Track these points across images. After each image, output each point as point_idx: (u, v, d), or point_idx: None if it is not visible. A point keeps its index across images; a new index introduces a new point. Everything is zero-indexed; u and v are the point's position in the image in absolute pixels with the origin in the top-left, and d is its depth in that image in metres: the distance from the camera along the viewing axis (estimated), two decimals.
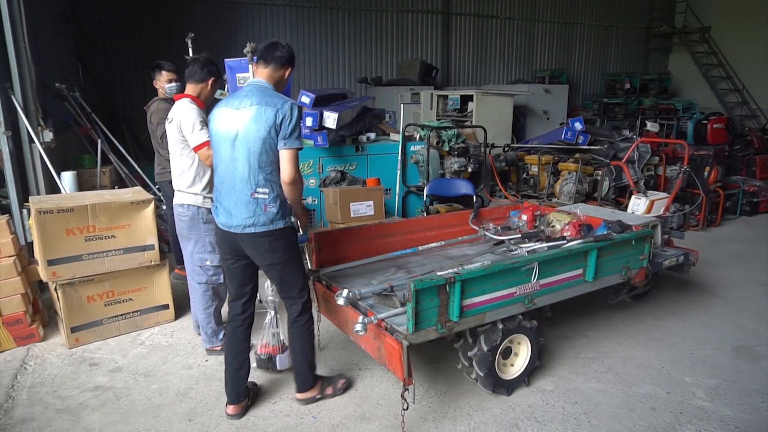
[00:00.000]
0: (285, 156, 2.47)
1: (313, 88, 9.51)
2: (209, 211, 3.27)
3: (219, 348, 3.41)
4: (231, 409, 2.77)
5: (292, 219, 2.72)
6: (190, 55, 4.07)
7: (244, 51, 3.44)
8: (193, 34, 4.30)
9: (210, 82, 3.29)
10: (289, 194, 2.55)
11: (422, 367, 3.25)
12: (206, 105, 3.29)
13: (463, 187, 5.36)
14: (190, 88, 3.26)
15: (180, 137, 3.17)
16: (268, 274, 2.75)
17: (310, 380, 2.85)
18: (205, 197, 3.24)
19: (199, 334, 3.60)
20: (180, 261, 4.64)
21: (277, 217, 2.54)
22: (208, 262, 3.31)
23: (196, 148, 3.11)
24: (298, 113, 2.51)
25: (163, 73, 4.22)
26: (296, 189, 2.56)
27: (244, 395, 2.81)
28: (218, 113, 2.60)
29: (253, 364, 3.04)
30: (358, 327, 2.49)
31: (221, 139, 2.55)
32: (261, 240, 2.54)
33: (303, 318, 2.76)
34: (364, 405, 2.90)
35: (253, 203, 2.50)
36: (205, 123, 3.09)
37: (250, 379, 2.88)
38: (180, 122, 3.13)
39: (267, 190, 2.51)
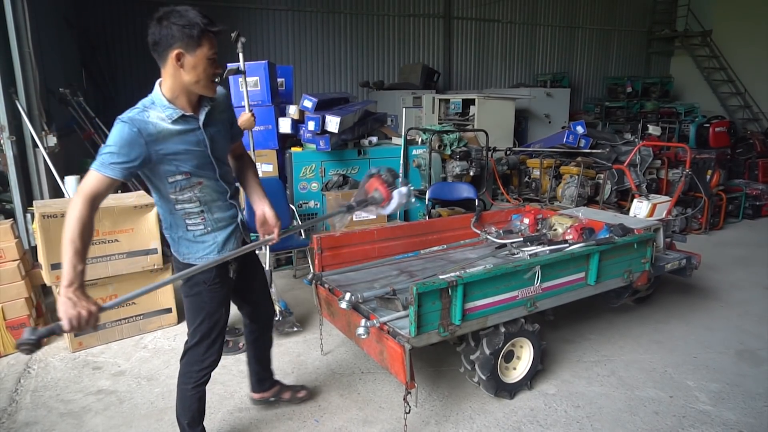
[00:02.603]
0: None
1: (315, 92, 9.54)
2: None
3: None
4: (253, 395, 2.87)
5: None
6: (241, 62, 3.48)
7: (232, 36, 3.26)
8: (241, 37, 3.51)
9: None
10: None
11: (424, 371, 3.25)
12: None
13: (465, 191, 5.37)
14: None
15: None
16: None
17: None
18: None
19: None
20: None
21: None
22: None
23: None
24: (116, 130, 1.89)
25: None
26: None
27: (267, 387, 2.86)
28: None
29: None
30: (361, 330, 2.50)
31: None
32: None
33: (182, 366, 2.42)
34: (367, 408, 2.90)
35: None
36: None
37: None
38: None
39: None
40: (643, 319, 4.04)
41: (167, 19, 1.83)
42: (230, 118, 2.24)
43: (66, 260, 1.76)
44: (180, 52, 1.86)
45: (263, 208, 2.26)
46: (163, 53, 1.87)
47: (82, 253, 1.79)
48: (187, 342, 2.35)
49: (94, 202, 1.84)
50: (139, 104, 1.97)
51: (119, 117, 1.92)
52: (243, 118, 3.30)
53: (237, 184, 2.34)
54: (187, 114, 1.99)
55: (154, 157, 1.92)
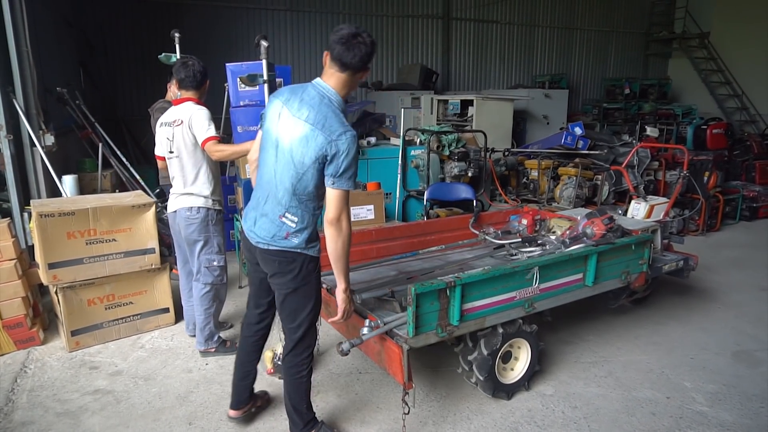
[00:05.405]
0: (332, 195, 2.19)
1: None
2: (218, 212, 3.32)
3: (213, 350, 3.42)
4: (231, 413, 2.75)
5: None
6: (177, 53, 3.90)
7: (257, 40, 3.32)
8: (177, 33, 4.26)
9: (206, 85, 3.32)
10: (329, 239, 2.25)
11: (422, 371, 3.25)
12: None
13: (464, 192, 5.37)
14: (190, 94, 3.26)
15: (191, 139, 3.16)
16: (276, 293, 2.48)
17: (299, 424, 2.54)
18: (214, 200, 3.28)
19: (193, 335, 3.60)
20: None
21: (300, 244, 2.33)
22: (215, 263, 3.33)
23: (204, 141, 3.12)
24: (356, 148, 2.16)
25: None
26: (337, 235, 2.22)
27: (246, 401, 2.76)
28: (274, 106, 2.27)
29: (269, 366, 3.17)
30: (365, 330, 2.50)
31: (269, 142, 2.29)
32: (273, 258, 2.34)
33: (291, 359, 2.48)
34: (364, 409, 2.90)
35: (278, 225, 2.29)
36: (214, 123, 3.16)
37: (264, 388, 2.90)
38: (190, 122, 3.13)
39: (297, 219, 2.29)
40: (641, 321, 4.05)
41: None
42: None
43: (342, 272, 2.32)
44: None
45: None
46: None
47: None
48: (288, 337, 2.46)
49: None
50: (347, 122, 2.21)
51: (349, 131, 2.14)
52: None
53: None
54: None
55: None
